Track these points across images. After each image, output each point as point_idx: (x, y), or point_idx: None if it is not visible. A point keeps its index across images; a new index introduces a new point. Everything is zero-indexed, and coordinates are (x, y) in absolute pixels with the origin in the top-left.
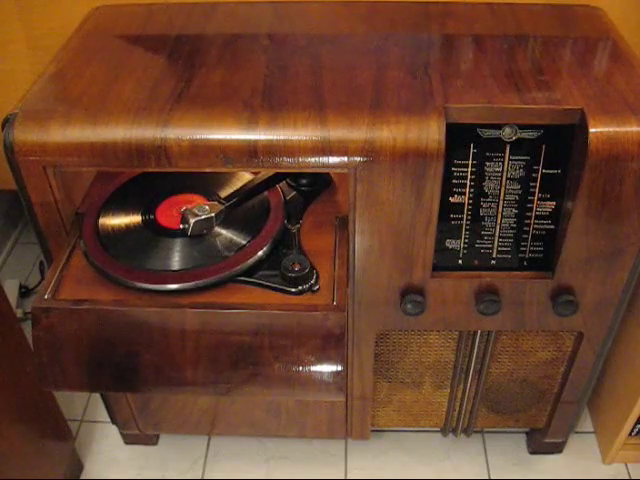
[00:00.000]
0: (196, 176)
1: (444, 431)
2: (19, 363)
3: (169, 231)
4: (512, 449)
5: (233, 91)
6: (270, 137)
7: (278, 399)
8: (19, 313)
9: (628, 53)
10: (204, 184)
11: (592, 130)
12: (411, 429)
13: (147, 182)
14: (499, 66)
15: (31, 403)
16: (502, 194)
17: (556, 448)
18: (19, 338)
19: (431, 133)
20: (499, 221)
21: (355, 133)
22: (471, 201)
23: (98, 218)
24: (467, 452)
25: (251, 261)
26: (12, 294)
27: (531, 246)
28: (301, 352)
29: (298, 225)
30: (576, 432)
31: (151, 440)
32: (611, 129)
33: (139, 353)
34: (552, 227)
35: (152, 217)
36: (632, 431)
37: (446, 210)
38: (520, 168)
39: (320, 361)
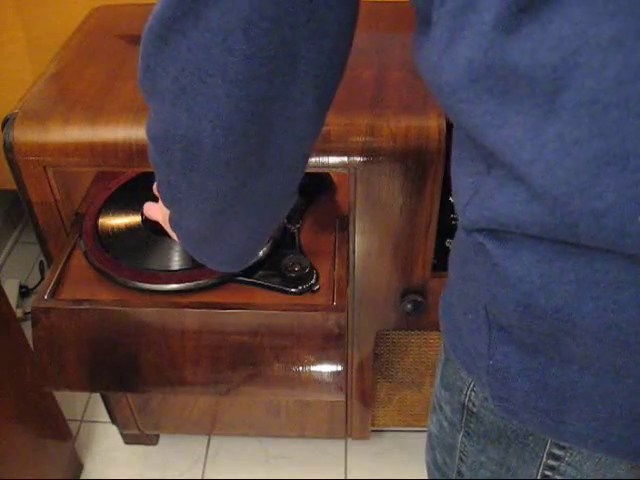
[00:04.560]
0: None
1: None
2: (19, 363)
3: None
4: None
5: None
6: None
7: (278, 399)
8: (19, 313)
9: None
10: None
11: None
12: (411, 429)
13: (147, 182)
14: None
15: (31, 403)
16: None
17: None
18: (19, 338)
19: (431, 133)
20: None
21: (355, 133)
22: None
23: (98, 218)
24: None
25: (251, 261)
26: (12, 294)
27: None
28: (301, 352)
29: (298, 225)
30: None
31: (151, 440)
32: None
33: (139, 353)
34: None
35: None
36: None
37: (446, 210)
38: None
39: (320, 361)
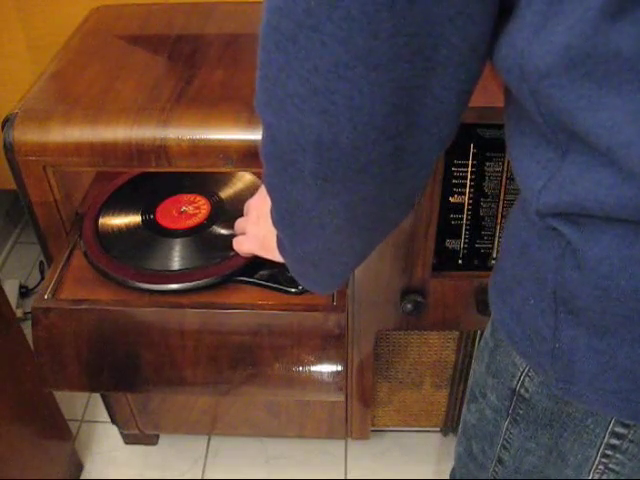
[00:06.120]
0: (196, 176)
1: (444, 431)
2: (19, 363)
3: (169, 231)
4: None
5: (233, 91)
6: None
7: (278, 399)
8: (19, 313)
9: None
10: (204, 184)
11: None
12: (411, 429)
13: (147, 182)
14: None
15: (31, 403)
16: (502, 194)
17: None
18: (19, 338)
19: None
20: (499, 221)
21: None
22: (471, 201)
23: (98, 218)
24: None
25: (251, 261)
26: (12, 294)
27: None
28: (301, 352)
29: None
30: None
31: (151, 440)
32: None
33: (139, 353)
34: None
35: (152, 217)
36: None
37: (446, 210)
38: None
39: (320, 361)
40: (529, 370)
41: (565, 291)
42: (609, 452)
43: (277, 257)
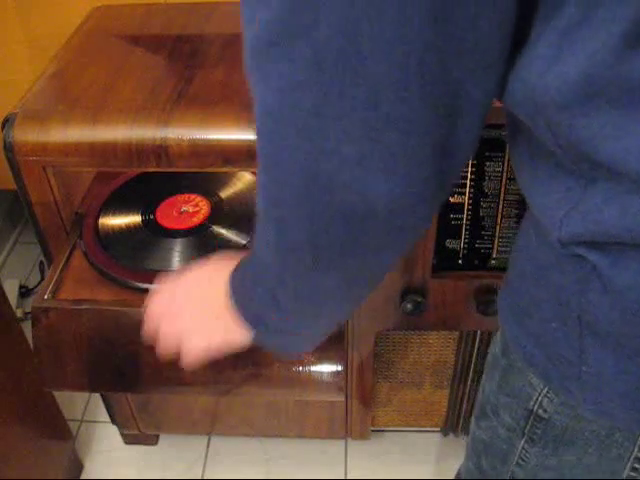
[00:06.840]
0: (196, 176)
1: (444, 431)
2: (19, 363)
3: (169, 231)
4: None
5: (233, 91)
6: None
7: (278, 399)
8: (19, 313)
9: None
10: (204, 184)
11: None
12: (411, 429)
13: (147, 182)
14: None
15: (31, 403)
16: (502, 194)
17: None
18: (19, 338)
19: None
20: (499, 221)
21: None
22: (471, 201)
23: (98, 218)
24: None
25: None
26: (12, 294)
27: None
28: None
29: None
30: None
31: (151, 440)
32: None
33: (139, 353)
34: None
35: (152, 217)
36: None
37: (446, 210)
38: None
39: (320, 361)
40: (548, 391)
41: (590, 315)
42: (638, 466)
43: (242, 334)
